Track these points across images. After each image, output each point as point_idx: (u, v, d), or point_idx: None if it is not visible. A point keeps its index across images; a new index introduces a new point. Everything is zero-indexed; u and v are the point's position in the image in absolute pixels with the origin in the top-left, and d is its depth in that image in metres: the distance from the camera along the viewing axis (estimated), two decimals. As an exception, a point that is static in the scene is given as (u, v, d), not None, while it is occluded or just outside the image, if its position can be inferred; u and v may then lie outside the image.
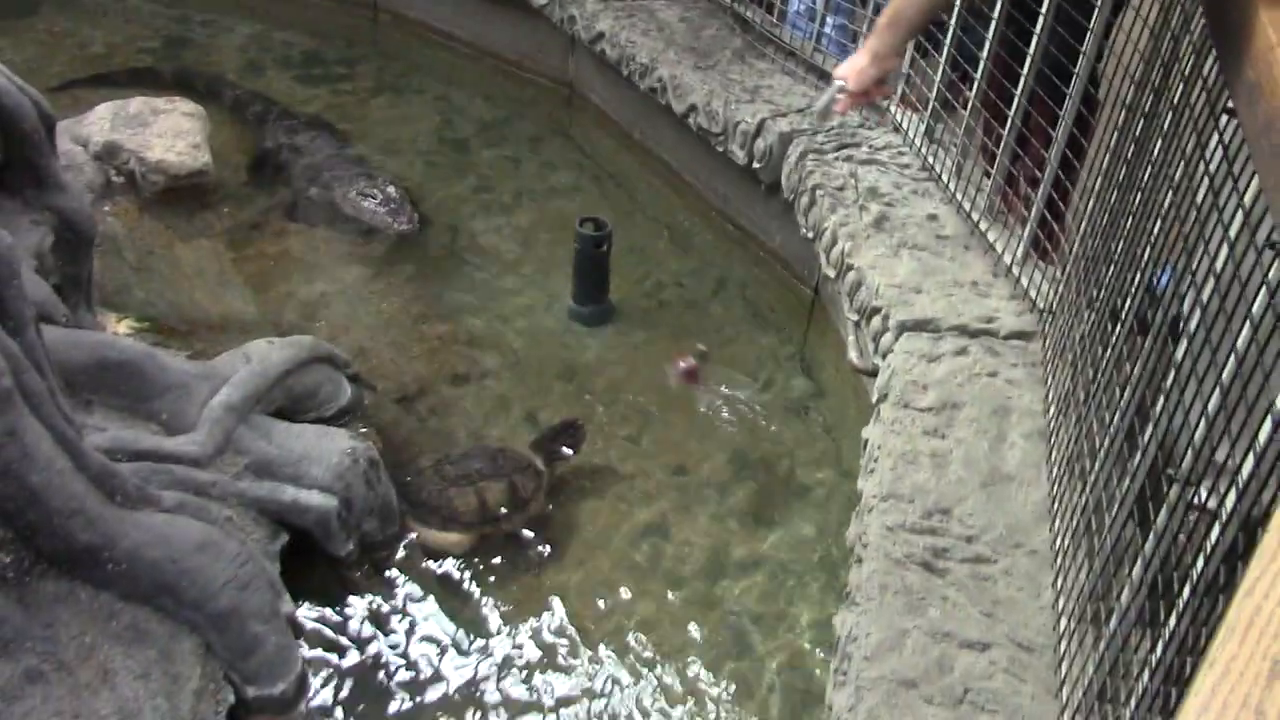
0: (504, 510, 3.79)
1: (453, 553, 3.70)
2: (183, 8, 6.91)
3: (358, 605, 3.49)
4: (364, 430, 3.90)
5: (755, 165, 4.73)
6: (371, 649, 3.37)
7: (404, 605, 3.51)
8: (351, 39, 6.84)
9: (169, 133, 5.03)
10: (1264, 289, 1.69)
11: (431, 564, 3.65)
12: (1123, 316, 2.60)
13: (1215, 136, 2.10)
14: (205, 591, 2.94)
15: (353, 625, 3.44)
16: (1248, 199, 1.87)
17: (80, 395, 3.33)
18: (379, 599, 3.52)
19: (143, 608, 2.90)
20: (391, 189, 5.24)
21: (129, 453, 3.21)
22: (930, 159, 4.30)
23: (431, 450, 3.98)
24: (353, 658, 3.34)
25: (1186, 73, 2.42)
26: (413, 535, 3.71)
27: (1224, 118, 2.07)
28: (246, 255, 4.91)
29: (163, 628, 2.91)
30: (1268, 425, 1.57)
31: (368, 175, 5.35)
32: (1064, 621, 2.54)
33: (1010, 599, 2.68)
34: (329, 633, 3.39)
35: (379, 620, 3.46)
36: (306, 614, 3.40)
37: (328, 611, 3.45)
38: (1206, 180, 2.10)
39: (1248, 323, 1.75)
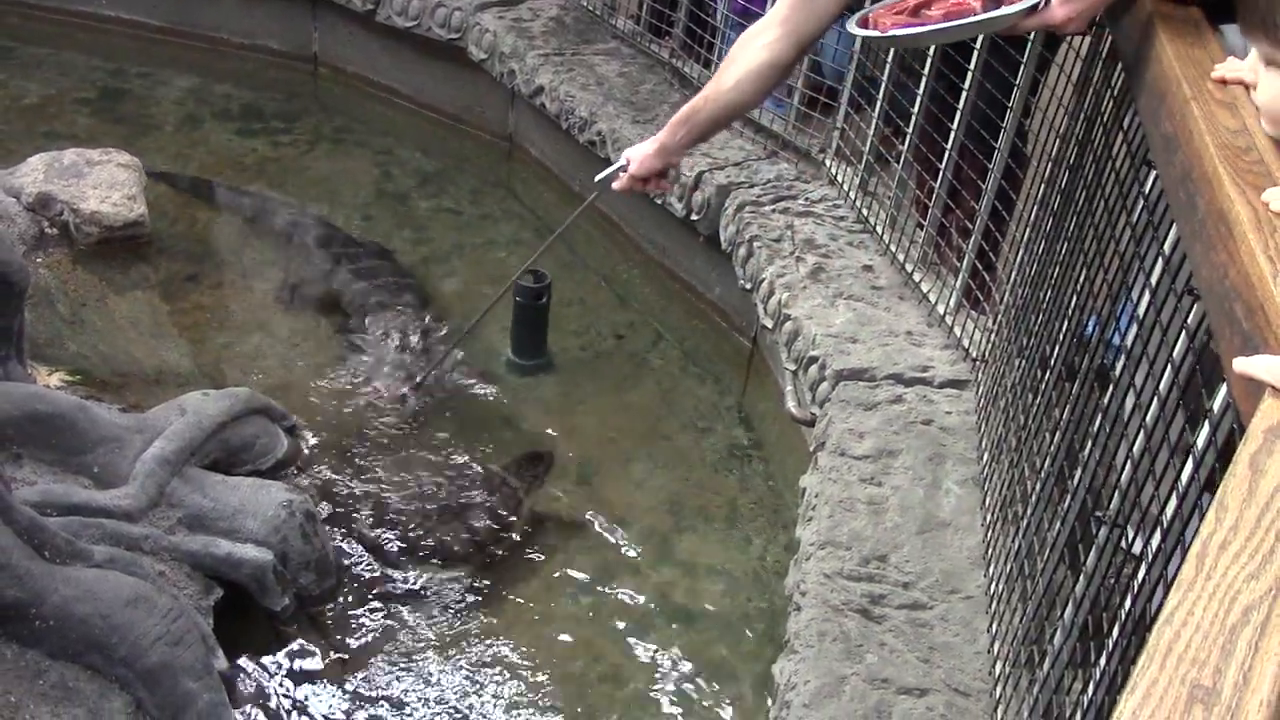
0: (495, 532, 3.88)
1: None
2: (118, 60, 6.85)
3: (294, 661, 3.44)
4: (301, 483, 3.86)
5: (693, 217, 4.78)
6: (308, 706, 3.32)
7: (341, 661, 3.46)
8: (291, 92, 6.82)
9: (104, 184, 4.97)
10: (1183, 333, 1.74)
11: (368, 618, 3.60)
12: (1052, 363, 2.65)
13: (1136, 187, 2.17)
14: (136, 648, 2.88)
15: (288, 681, 3.38)
16: (1167, 247, 1.92)
17: (9, 448, 3.28)
18: (315, 654, 3.47)
19: (71, 665, 2.85)
20: None
21: (59, 507, 3.16)
22: (865, 211, 4.37)
23: (370, 502, 3.94)
24: (288, 715, 3.29)
25: (1108, 126, 2.49)
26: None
27: (1144, 169, 2.13)
28: (182, 308, 4.85)
29: (91, 685, 2.86)
30: (1189, 466, 1.61)
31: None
32: (999, 666, 2.56)
33: (947, 644, 2.70)
34: (263, 689, 3.33)
35: (315, 676, 3.40)
36: (240, 670, 3.34)
37: (262, 667, 3.39)
38: (1129, 230, 2.16)
39: (1169, 366, 1.79)
